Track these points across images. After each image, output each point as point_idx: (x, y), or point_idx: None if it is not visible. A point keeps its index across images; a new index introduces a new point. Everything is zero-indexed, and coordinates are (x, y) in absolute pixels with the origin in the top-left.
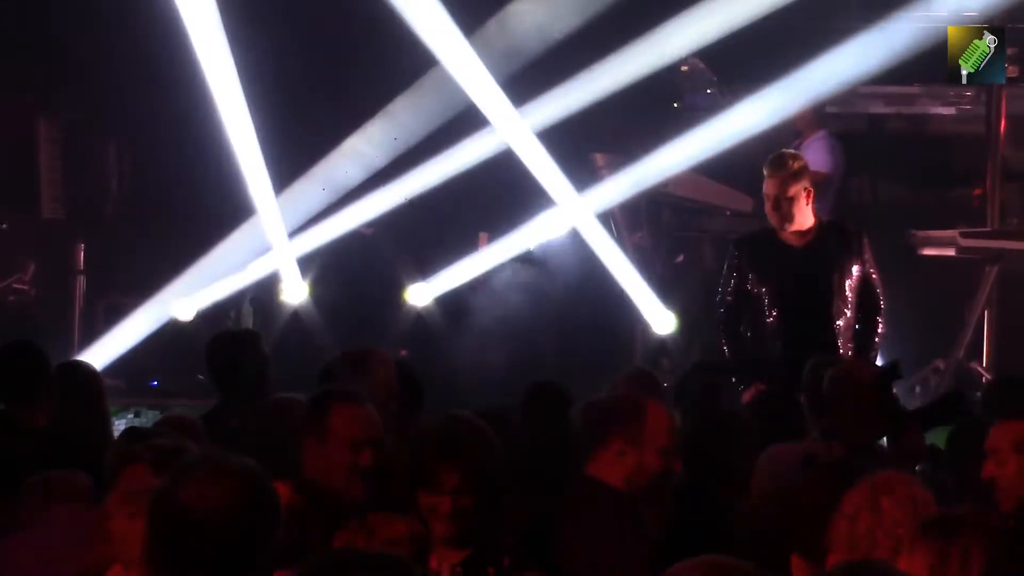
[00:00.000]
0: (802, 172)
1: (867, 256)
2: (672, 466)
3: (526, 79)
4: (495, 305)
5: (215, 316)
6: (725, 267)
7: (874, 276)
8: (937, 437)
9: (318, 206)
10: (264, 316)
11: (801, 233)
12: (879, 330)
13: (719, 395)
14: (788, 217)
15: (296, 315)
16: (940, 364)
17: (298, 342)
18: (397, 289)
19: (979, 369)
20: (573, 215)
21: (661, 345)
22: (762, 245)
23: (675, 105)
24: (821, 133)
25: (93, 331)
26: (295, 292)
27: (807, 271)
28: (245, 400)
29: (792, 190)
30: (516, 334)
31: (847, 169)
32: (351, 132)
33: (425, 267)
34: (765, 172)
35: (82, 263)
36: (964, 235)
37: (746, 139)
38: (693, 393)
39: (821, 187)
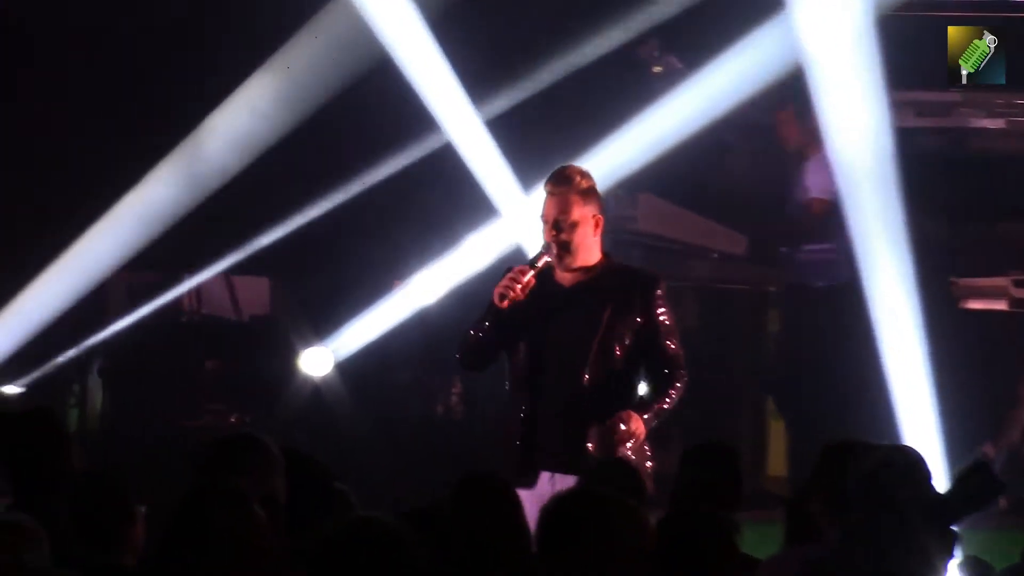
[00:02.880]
0: (591, 194)
1: (659, 310)
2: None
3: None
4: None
5: (52, 391)
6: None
7: (667, 338)
8: (973, 545)
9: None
10: (118, 391)
11: (581, 270)
12: (666, 404)
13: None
14: (567, 247)
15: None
16: (988, 449)
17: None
18: (289, 355)
19: None
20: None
21: None
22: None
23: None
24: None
25: None
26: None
27: (570, 317)
28: (41, 495)
29: (576, 213)
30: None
31: None
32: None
33: (322, 325)
34: (545, 188)
35: None
36: (1019, 283)
37: (738, 159)
38: None
39: (825, 216)
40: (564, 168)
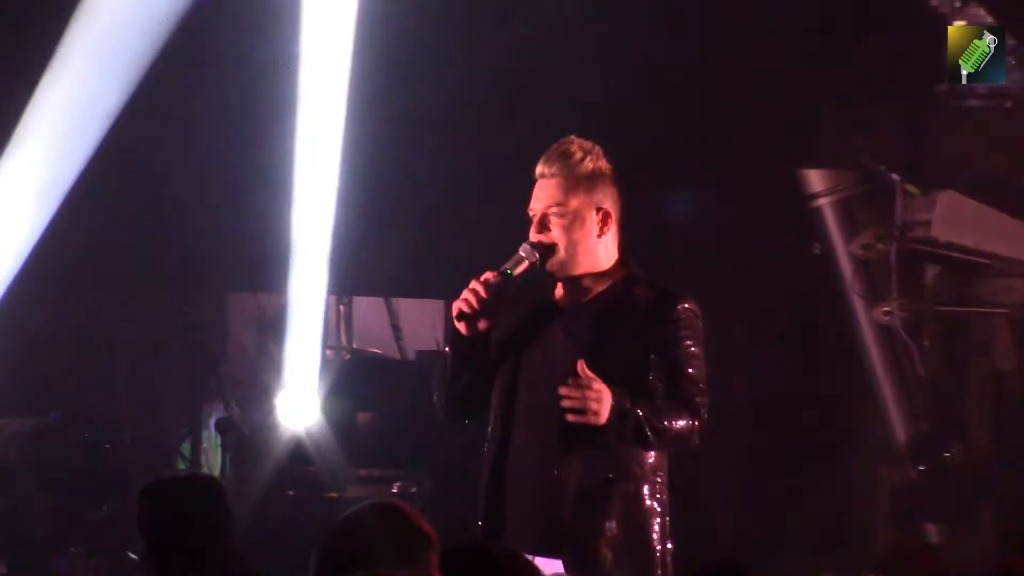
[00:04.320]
0: (597, 179)
1: (678, 340)
2: None
3: None
4: None
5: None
6: None
7: (685, 375)
8: None
9: None
10: (242, 449)
11: (584, 280)
12: (654, 423)
13: None
14: (552, 249)
15: (300, 446)
16: None
17: (304, 492)
18: None
19: None
20: None
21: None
22: (527, 288)
23: None
24: None
25: None
26: (299, 409)
27: (554, 348)
28: None
29: (572, 203)
30: None
31: None
32: None
33: None
34: (534, 171)
35: None
36: None
37: None
38: None
39: None
40: (562, 143)
